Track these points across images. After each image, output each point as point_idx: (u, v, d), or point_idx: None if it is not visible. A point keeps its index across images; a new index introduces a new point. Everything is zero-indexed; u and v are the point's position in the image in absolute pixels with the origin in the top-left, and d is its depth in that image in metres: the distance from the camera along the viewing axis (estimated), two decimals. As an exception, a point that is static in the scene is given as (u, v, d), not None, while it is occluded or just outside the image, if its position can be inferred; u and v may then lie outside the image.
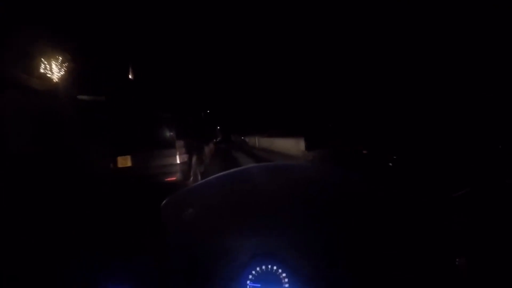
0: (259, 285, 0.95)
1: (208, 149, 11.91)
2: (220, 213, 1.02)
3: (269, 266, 0.96)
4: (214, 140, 24.41)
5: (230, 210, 1.02)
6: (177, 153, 5.55)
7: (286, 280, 0.94)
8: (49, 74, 8.97)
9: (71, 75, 9.33)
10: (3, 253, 1.86)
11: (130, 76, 15.05)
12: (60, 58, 9.25)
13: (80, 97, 7.70)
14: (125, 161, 5.40)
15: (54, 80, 9.02)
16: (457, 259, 0.80)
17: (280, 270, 0.95)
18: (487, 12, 6.29)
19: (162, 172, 5.44)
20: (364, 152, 7.16)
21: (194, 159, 6.94)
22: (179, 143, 5.80)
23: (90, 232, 2.38)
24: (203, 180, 1.13)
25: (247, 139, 34.31)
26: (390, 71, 9.18)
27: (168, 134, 5.70)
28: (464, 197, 0.88)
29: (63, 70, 9.32)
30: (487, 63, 6.33)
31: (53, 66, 9.08)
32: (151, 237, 1.09)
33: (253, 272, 0.96)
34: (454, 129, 6.13)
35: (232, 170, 1.08)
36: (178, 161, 5.51)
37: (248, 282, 0.96)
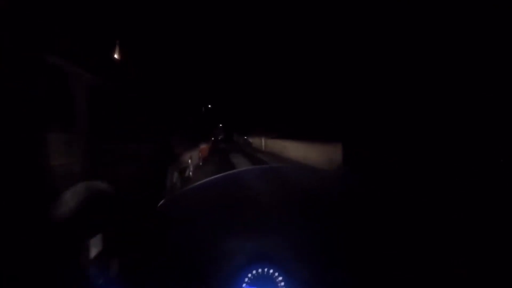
0: None
1: (191, 156, 6.77)
2: (217, 216, 1.02)
3: (265, 269, 0.96)
4: (213, 138, 20.52)
5: (227, 212, 1.02)
6: None
7: (283, 284, 0.94)
8: None
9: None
10: (3, 253, 1.69)
11: (115, 55, 11.32)
12: None
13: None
14: None
15: None
16: (456, 259, 0.80)
17: (276, 274, 0.95)
18: (487, 12, 6.15)
19: None
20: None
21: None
22: None
23: (90, 232, 2.08)
24: (198, 183, 1.09)
25: (250, 140, 30.34)
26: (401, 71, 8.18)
27: None
28: (462, 195, 0.88)
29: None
30: (487, 63, 6.19)
31: None
32: (150, 239, 1.04)
33: (249, 275, 0.96)
34: (454, 130, 6.09)
35: (227, 173, 1.06)
36: None
37: (244, 285, 0.95)
